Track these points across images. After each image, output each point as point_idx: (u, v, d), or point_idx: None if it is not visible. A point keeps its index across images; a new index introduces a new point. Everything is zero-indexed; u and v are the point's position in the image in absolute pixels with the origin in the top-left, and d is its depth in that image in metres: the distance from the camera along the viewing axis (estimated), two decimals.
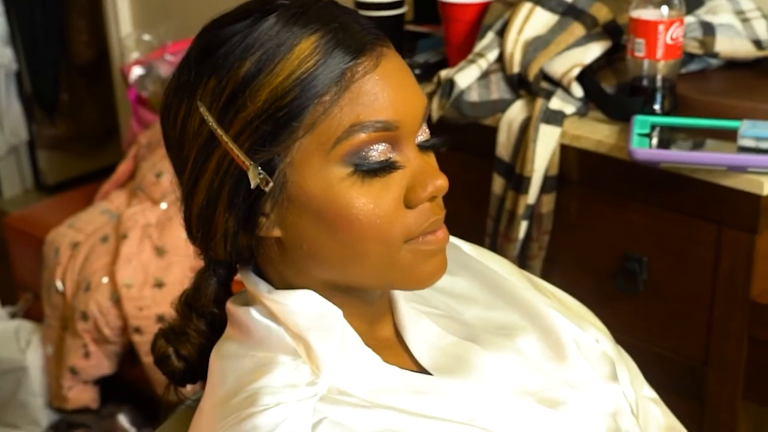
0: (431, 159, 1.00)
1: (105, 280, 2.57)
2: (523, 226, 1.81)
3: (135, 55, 3.20)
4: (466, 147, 1.93)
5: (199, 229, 0.99)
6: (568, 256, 1.84)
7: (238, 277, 1.07)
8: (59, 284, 2.67)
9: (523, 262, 1.85)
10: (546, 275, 1.85)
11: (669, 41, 1.71)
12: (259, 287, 1.01)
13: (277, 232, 0.97)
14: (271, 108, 0.91)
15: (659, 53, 1.71)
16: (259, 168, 0.93)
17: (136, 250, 2.57)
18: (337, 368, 0.97)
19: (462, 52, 1.96)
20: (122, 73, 3.18)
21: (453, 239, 1.20)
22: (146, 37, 3.20)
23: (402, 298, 1.09)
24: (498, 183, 1.85)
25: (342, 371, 0.97)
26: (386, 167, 0.94)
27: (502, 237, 1.84)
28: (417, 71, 2.01)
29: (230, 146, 0.93)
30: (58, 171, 4.33)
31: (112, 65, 3.56)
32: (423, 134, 0.99)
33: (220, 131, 0.93)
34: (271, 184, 0.93)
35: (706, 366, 1.73)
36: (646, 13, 1.71)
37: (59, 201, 3.18)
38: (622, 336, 1.74)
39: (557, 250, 1.85)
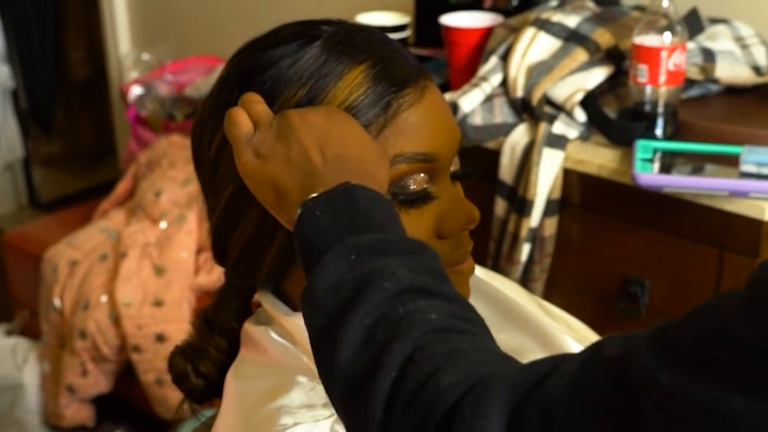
0: (460, 189, 1.01)
1: (104, 298, 2.57)
2: (526, 248, 1.82)
3: (134, 74, 3.21)
4: (469, 170, 1.95)
5: (242, 257, 0.99)
6: (570, 279, 1.86)
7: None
8: (57, 302, 2.68)
9: (525, 284, 1.86)
10: (548, 298, 1.87)
11: (671, 67, 1.73)
12: (278, 308, 1.02)
13: None
14: None
15: (661, 79, 1.73)
16: None
17: (135, 268, 2.58)
18: None
19: (464, 76, 1.97)
20: (121, 93, 3.19)
21: None
22: (145, 56, 3.21)
23: None
24: (501, 206, 1.86)
25: None
26: (423, 198, 0.95)
27: (504, 259, 1.86)
28: None
29: None
30: (53, 188, 4.34)
31: (110, 84, 3.57)
32: (454, 164, 1.01)
33: None
34: None
35: None
36: (649, 40, 1.73)
37: (56, 219, 3.18)
38: None
39: (559, 272, 1.86)
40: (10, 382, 2.75)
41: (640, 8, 1.99)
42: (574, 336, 1.21)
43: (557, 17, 1.89)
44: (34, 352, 2.78)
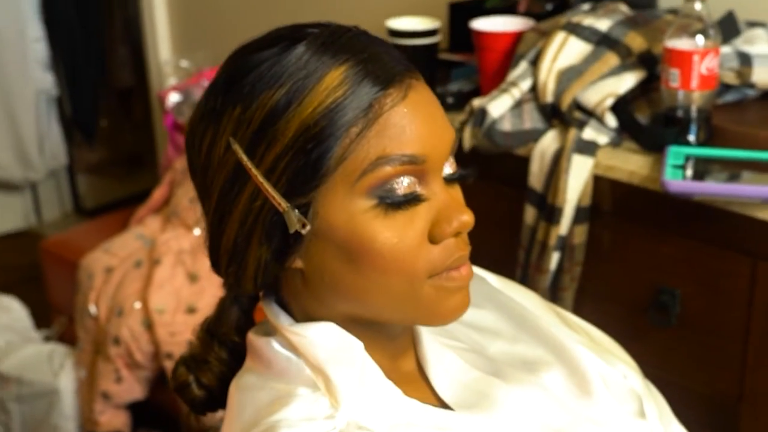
0: (457, 192, 0.98)
1: (138, 305, 2.57)
2: (555, 257, 1.79)
3: (172, 81, 3.21)
4: (498, 177, 1.92)
5: (230, 264, 0.97)
6: (601, 288, 1.82)
7: (260, 304, 1.07)
8: (93, 308, 2.68)
9: (554, 293, 1.83)
10: (578, 307, 1.84)
11: (704, 71, 1.69)
12: (280, 318, 1.00)
13: (299, 264, 0.96)
14: (300, 140, 0.90)
15: (694, 84, 1.69)
16: (296, 211, 0.91)
17: (169, 275, 2.57)
18: (357, 402, 0.96)
19: (495, 81, 1.95)
20: (159, 99, 3.20)
21: (479, 271, 1.19)
22: (183, 63, 3.21)
23: (426, 332, 1.08)
24: (530, 213, 1.83)
25: (362, 405, 0.96)
26: (411, 200, 0.92)
27: (533, 268, 1.82)
28: (450, 100, 2.00)
29: (265, 186, 0.91)
30: (96, 195, 4.37)
31: (150, 91, 3.58)
32: (450, 167, 0.97)
33: (254, 170, 0.91)
34: (308, 227, 0.92)
35: (740, 402, 1.70)
36: (681, 43, 1.69)
37: (95, 225, 3.19)
38: (654, 370, 1.71)
39: (590, 281, 1.82)
40: (47, 388, 2.76)
41: (674, 11, 1.95)
42: (593, 347, 1.18)
43: (588, 21, 1.85)
44: (71, 358, 2.79)
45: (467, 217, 0.95)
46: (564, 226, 1.76)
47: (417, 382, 1.05)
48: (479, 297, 1.18)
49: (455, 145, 0.97)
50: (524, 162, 1.83)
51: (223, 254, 0.97)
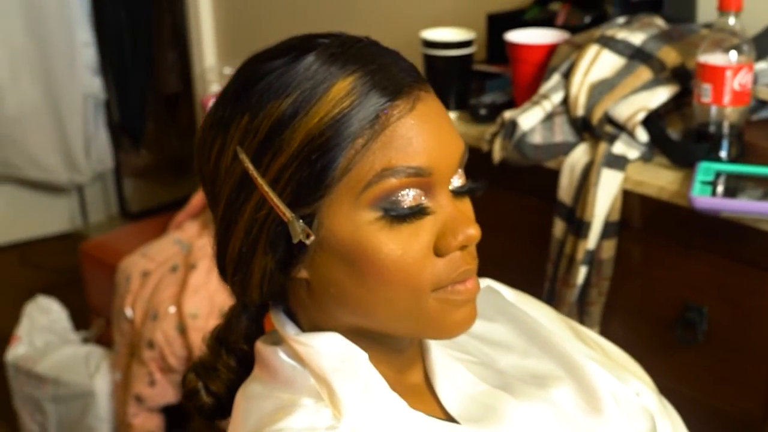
0: (466, 205, 0.98)
1: (172, 309, 2.59)
2: (582, 271, 1.77)
3: (216, 87, 3.24)
4: (528, 190, 1.91)
5: (236, 272, 0.97)
6: (628, 303, 1.80)
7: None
8: (129, 312, 2.70)
9: (582, 308, 1.81)
10: (605, 322, 1.82)
11: (737, 87, 1.67)
12: (287, 328, 1.00)
13: (304, 274, 0.96)
14: (305, 150, 0.90)
15: (726, 99, 1.67)
16: (301, 221, 0.91)
17: (204, 280, 2.59)
18: (360, 413, 0.95)
19: (528, 93, 1.94)
20: (202, 105, 3.22)
21: (494, 284, 1.18)
22: (227, 70, 3.23)
23: (435, 344, 1.08)
24: (559, 227, 1.82)
25: (365, 416, 0.96)
26: (416, 213, 0.92)
27: (560, 282, 1.81)
28: (483, 111, 1.99)
29: (270, 196, 0.91)
30: (142, 199, 4.41)
31: (195, 97, 3.61)
32: (458, 179, 0.97)
33: (260, 180, 0.91)
34: (312, 237, 0.92)
35: (766, 421, 1.68)
36: (714, 58, 1.68)
37: (135, 228, 3.22)
38: (679, 387, 1.70)
39: (617, 297, 1.81)
40: (83, 390, 2.79)
41: (710, 26, 1.93)
42: (607, 363, 1.17)
43: (622, 34, 1.84)
44: (107, 360, 2.82)
45: (473, 231, 0.94)
46: (592, 240, 1.75)
47: (423, 395, 1.04)
48: (492, 310, 1.17)
49: (464, 157, 0.97)
50: (555, 175, 1.82)
51: (229, 262, 0.98)
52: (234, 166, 0.94)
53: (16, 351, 2.90)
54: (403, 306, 0.94)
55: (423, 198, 0.93)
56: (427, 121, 0.92)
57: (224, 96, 0.97)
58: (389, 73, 0.92)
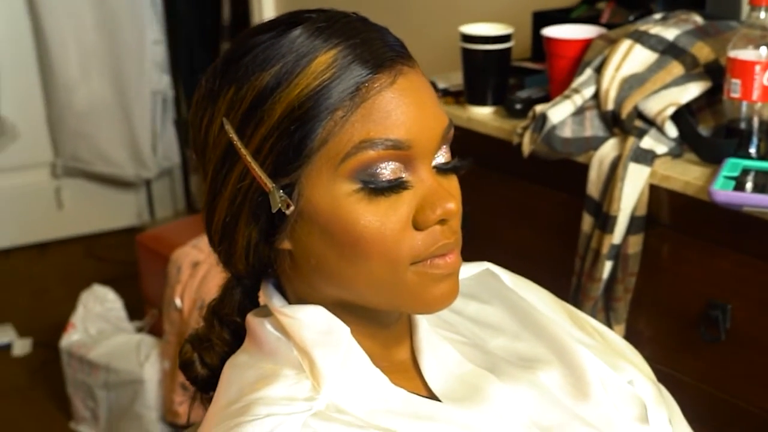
0: (451, 182, 0.98)
1: None
2: (608, 266, 1.76)
3: None
4: (557, 184, 1.91)
5: (221, 242, 1.00)
6: (654, 299, 1.79)
7: None
8: (178, 301, 2.75)
9: (607, 303, 1.80)
10: (633, 319, 1.81)
11: (766, 83, 1.65)
12: (273, 300, 1.02)
13: (287, 245, 0.97)
14: (285, 121, 0.92)
15: (755, 95, 1.66)
16: (281, 191, 0.93)
17: None
18: (339, 385, 0.97)
19: (563, 87, 1.93)
20: None
21: (495, 268, 1.19)
22: None
23: (425, 323, 1.08)
24: (587, 221, 1.81)
25: (344, 389, 0.97)
26: (395, 186, 0.93)
27: (586, 276, 1.80)
28: (518, 106, 2.00)
29: (252, 166, 0.93)
30: None
31: None
32: (443, 156, 0.98)
33: (243, 150, 0.93)
34: (292, 207, 0.94)
35: None
36: (744, 54, 1.66)
37: (190, 221, 3.27)
38: (702, 385, 1.69)
39: (645, 293, 1.79)
40: (133, 377, 2.84)
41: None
42: (603, 349, 1.17)
43: (656, 30, 1.83)
44: (156, 349, 2.86)
45: (452, 205, 0.94)
46: (617, 235, 1.74)
47: (408, 372, 1.05)
48: (488, 293, 1.18)
49: (448, 134, 0.97)
50: (585, 170, 1.82)
51: (215, 232, 1.00)
52: (220, 137, 0.96)
53: (71, 338, 2.96)
54: (382, 278, 0.95)
55: (402, 172, 0.93)
56: (408, 95, 0.93)
57: (213, 69, 1.00)
58: (373, 46, 0.94)
